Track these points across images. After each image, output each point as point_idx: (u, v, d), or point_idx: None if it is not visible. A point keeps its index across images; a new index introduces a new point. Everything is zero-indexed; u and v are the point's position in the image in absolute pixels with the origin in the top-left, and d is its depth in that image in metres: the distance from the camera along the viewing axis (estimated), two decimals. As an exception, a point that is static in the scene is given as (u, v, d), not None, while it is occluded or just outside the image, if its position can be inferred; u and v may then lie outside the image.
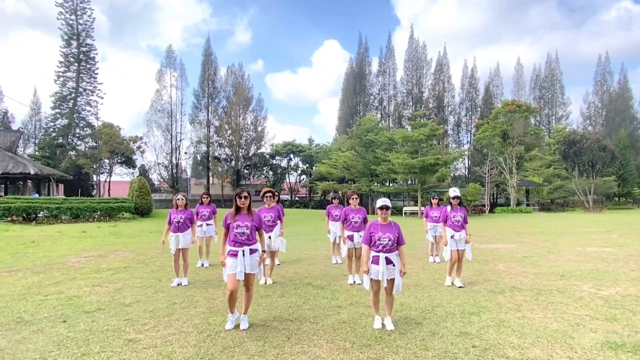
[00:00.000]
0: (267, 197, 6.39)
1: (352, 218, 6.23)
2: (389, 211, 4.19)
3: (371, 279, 4.13)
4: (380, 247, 4.07)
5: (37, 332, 4.05)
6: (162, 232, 15.12)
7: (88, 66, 42.74)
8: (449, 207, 6.12)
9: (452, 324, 4.15)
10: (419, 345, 3.58)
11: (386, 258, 4.05)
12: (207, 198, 8.00)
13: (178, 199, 6.25)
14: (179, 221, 6.09)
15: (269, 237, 6.14)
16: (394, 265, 4.08)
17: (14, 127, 43.55)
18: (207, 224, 7.78)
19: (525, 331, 3.94)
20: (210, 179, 49.74)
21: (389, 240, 4.07)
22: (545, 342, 3.64)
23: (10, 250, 10.13)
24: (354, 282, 6.16)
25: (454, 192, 6.08)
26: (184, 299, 5.23)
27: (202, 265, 7.74)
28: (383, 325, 4.07)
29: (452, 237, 5.93)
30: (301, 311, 4.67)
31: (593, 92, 61.17)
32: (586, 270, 7.09)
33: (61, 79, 41.87)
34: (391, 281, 4.09)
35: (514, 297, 5.23)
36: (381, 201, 4.18)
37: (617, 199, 49.22)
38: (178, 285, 6.04)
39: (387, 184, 41.54)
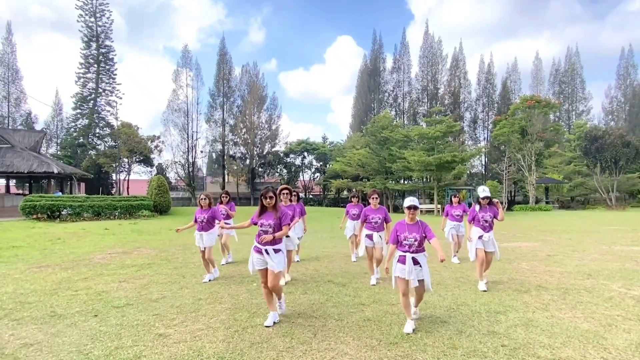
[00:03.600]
0: (283, 194, 6.17)
1: (372, 218, 6.10)
2: (417, 211, 4.11)
3: (397, 277, 4.06)
4: (406, 247, 4.03)
5: (71, 325, 4.18)
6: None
7: (107, 67, 43.72)
8: (477, 207, 5.78)
9: (478, 323, 4.11)
10: (446, 343, 3.56)
11: (413, 259, 3.98)
12: (226, 197, 7.98)
13: (201, 199, 6.34)
14: (202, 221, 6.25)
15: (287, 236, 5.99)
16: (421, 266, 4.00)
17: (37, 127, 44.92)
18: (225, 223, 7.77)
19: (555, 331, 3.87)
20: (226, 177, 50.29)
21: (415, 240, 4.00)
22: (577, 342, 3.57)
23: (38, 246, 10.47)
24: (377, 280, 6.01)
25: (483, 192, 5.70)
26: (208, 295, 5.32)
27: (227, 262, 7.83)
28: (414, 330, 3.89)
29: (480, 237, 5.63)
30: (325, 308, 4.69)
31: (616, 86, 59.23)
32: (614, 269, 6.90)
33: (81, 80, 42.96)
34: (421, 282, 4.02)
35: (541, 296, 5.14)
36: (409, 200, 4.10)
37: (641, 196, 47.66)
38: (209, 280, 6.19)
39: (403, 181, 41.22)
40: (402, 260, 4.03)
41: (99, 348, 3.55)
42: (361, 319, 4.26)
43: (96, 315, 4.51)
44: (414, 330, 3.88)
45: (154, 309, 4.72)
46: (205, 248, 6.22)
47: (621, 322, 4.12)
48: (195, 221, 6.29)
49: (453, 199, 8.27)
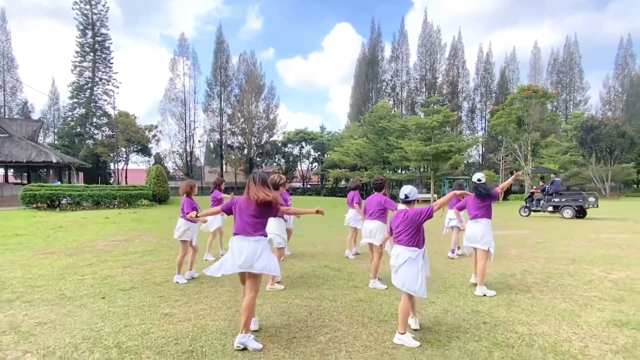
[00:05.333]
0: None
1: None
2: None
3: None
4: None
5: (81, 306, 4.43)
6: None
7: (103, 56, 43.48)
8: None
9: (464, 303, 4.39)
10: (432, 321, 3.84)
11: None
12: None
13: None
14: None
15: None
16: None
17: (34, 116, 44.83)
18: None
19: (534, 310, 4.15)
20: (224, 166, 50.44)
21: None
22: (553, 320, 3.85)
23: (41, 234, 10.70)
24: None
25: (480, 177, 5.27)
26: (210, 279, 5.57)
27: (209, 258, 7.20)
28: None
29: None
30: (320, 290, 4.96)
31: (614, 76, 59.38)
32: (598, 255, 7.21)
33: (78, 68, 42.73)
34: None
35: (525, 280, 5.43)
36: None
37: (635, 185, 48.22)
38: (187, 280, 5.54)
39: (400, 171, 41.51)
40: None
41: (109, 326, 3.80)
42: (354, 300, 4.53)
43: (104, 298, 4.76)
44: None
45: (158, 292, 4.97)
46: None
47: (597, 302, 4.41)
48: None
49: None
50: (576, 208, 15.27)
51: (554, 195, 15.94)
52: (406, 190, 3.67)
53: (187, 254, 5.79)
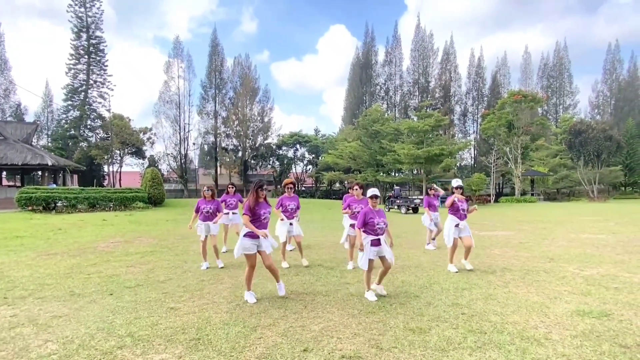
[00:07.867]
0: (288, 188, 7.16)
1: (355, 209, 6.45)
2: (378, 199, 4.93)
3: (370, 259, 4.66)
4: (379, 231, 4.71)
5: (91, 302, 4.76)
6: (177, 220, 15.98)
7: (98, 58, 43.52)
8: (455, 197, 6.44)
9: (445, 297, 4.79)
10: (416, 312, 4.23)
11: (380, 240, 4.73)
12: (232, 188, 8.61)
13: (205, 191, 6.83)
14: (208, 211, 6.73)
15: (290, 224, 6.92)
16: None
17: (27, 118, 44.61)
18: (234, 213, 8.37)
19: (508, 303, 4.56)
20: (219, 169, 50.59)
21: (384, 225, 4.77)
22: (525, 311, 4.27)
23: (41, 236, 10.94)
24: (353, 267, 6.50)
25: (457, 182, 6.58)
26: (210, 277, 5.93)
27: (225, 250, 8.33)
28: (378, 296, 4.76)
29: (456, 225, 6.30)
30: (314, 287, 5.34)
31: (602, 80, 60.64)
32: (575, 254, 7.67)
33: (72, 71, 42.72)
34: (383, 257, 4.75)
35: (504, 276, 5.85)
36: (371, 191, 4.93)
37: (623, 188, 49.24)
38: (207, 268, 6.58)
39: (393, 174, 42.03)
40: (376, 243, 4.70)
41: (120, 319, 4.14)
42: (346, 295, 4.91)
43: (112, 294, 5.08)
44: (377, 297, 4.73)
45: (163, 289, 5.31)
46: (209, 236, 6.75)
47: (566, 295, 4.84)
48: (197, 211, 6.78)
49: (430, 191, 9.50)
50: (408, 206, 23.49)
51: (397, 198, 25.64)
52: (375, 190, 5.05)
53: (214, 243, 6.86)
